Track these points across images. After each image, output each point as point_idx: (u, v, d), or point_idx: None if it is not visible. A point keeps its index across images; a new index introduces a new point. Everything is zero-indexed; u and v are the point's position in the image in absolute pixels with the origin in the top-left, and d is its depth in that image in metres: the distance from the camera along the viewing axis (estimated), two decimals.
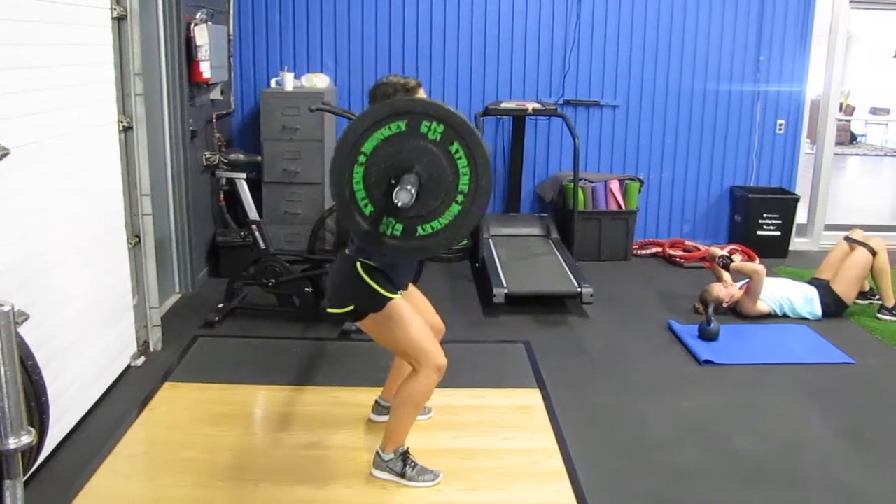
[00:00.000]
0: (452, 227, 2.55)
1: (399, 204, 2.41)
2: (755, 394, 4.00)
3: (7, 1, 2.80)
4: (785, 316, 5.04)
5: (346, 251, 2.97)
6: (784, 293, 5.08)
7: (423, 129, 2.44)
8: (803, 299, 5.04)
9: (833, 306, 5.03)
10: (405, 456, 3.07)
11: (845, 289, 5.04)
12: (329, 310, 3.02)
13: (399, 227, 2.58)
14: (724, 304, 5.00)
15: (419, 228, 2.57)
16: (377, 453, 3.10)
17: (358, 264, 2.88)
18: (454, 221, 2.54)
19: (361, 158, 2.49)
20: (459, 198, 2.50)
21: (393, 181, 2.47)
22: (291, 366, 4.19)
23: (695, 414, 3.77)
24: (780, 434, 3.58)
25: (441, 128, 2.44)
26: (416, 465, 3.07)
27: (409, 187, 2.38)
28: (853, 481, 3.20)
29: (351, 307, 2.93)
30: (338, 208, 2.62)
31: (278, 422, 3.59)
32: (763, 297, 5.01)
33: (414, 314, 2.99)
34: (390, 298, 2.91)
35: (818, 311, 5.03)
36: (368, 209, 2.58)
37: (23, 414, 1.79)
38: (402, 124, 2.44)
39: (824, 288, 5.08)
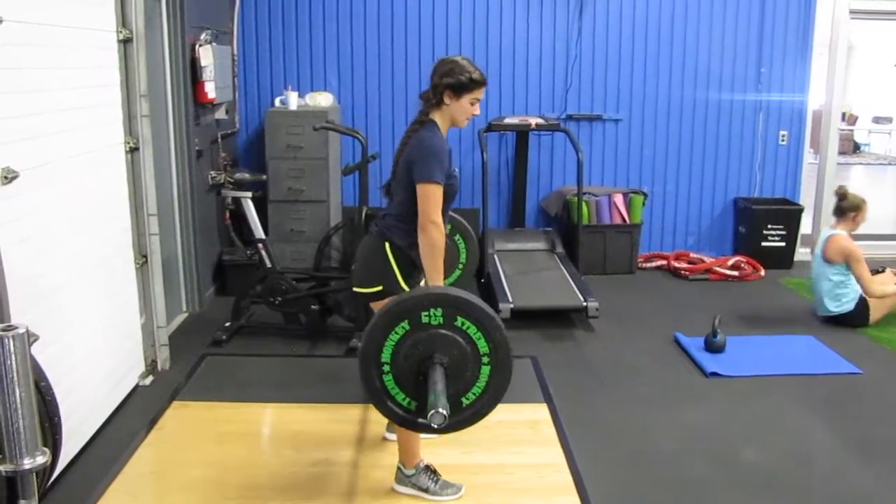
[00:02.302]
0: (491, 387, 2.68)
1: (436, 426, 2.51)
2: (762, 405, 4.00)
3: (15, 25, 2.83)
4: None
5: (374, 230, 3.05)
6: None
7: (425, 319, 2.57)
8: None
9: None
10: (428, 470, 3.09)
11: None
12: (355, 288, 3.06)
13: (411, 402, 2.72)
14: None
15: (463, 400, 2.70)
16: (399, 468, 3.11)
17: (386, 244, 2.97)
18: (490, 381, 2.66)
19: (386, 368, 2.63)
20: (485, 359, 2.63)
21: (421, 377, 2.60)
22: (299, 383, 4.20)
23: (702, 426, 3.77)
24: (788, 445, 3.58)
25: (439, 311, 2.57)
26: (438, 479, 3.09)
27: (440, 410, 2.46)
28: (861, 492, 3.19)
29: (379, 287, 2.98)
30: (377, 407, 2.75)
31: (286, 440, 3.59)
32: None
33: None
34: (403, 289, 2.97)
35: None
36: (410, 403, 2.71)
37: (37, 434, 1.81)
38: (406, 324, 2.58)
39: None
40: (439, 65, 3.00)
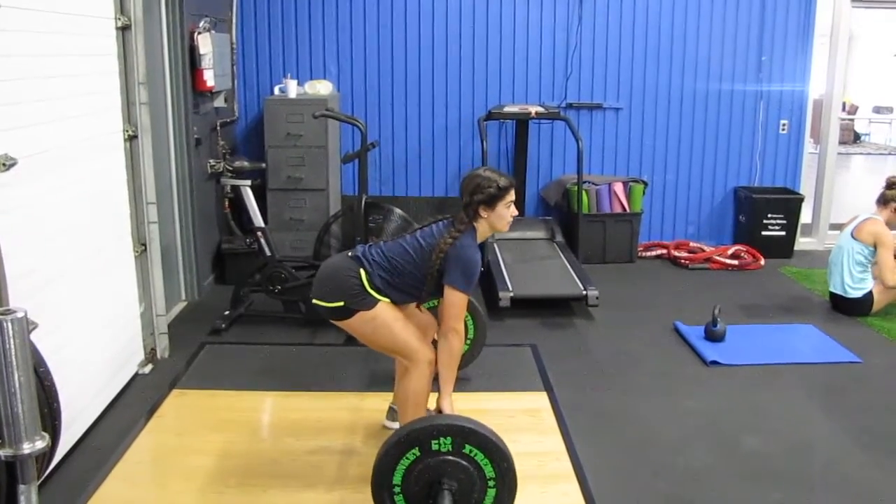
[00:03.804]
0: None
1: None
2: (762, 394, 4.00)
3: (12, 12, 2.81)
4: None
5: (350, 254, 3.08)
6: None
7: (434, 446, 2.65)
8: None
9: None
10: None
11: None
12: (315, 301, 3.09)
13: None
14: None
15: None
16: None
17: (363, 272, 3.00)
18: (497, 499, 2.73)
19: (396, 489, 2.69)
20: (490, 483, 2.70)
21: (431, 501, 2.67)
22: (299, 372, 4.20)
23: (702, 414, 3.77)
24: (788, 433, 3.58)
25: (448, 440, 2.65)
26: None
27: None
28: (861, 480, 3.20)
29: (340, 303, 3.00)
30: None
31: (286, 427, 3.59)
32: None
33: (399, 315, 3.07)
34: (379, 300, 3.01)
35: None
36: None
37: (37, 419, 1.80)
38: (416, 450, 2.65)
39: None
40: (466, 183, 3.10)
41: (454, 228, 3.05)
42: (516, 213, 3.19)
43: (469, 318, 3.97)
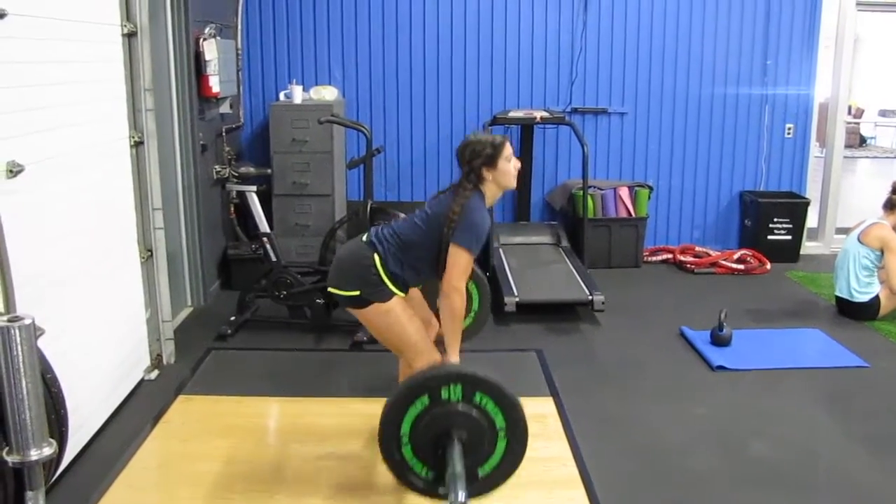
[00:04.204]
0: (507, 459, 2.75)
1: None
2: (769, 399, 3.99)
3: (19, 19, 2.82)
4: None
5: (364, 239, 3.08)
6: None
7: (445, 395, 2.63)
8: None
9: None
10: None
11: None
12: (332, 289, 3.09)
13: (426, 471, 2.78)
14: None
15: (479, 472, 2.75)
16: None
17: (377, 257, 2.99)
18: (506, 454, 2.73)
19: (405, 439, 2.68)
20: (501, 433, 2.69)
21: (440, 451, 2.66)
22: (304, 377, 4.20)
23: (708, 420, 3.76)
24: (795, 438, 3.57)
25: (458, 387, 2.62)
26: None
27: (460, 499, 2.50)
28: (869, 485, 3.18)
29: (357, 292, 3.00)
30: (398, 479, 2.81)
31: (292, 433, 3.59)
32: None
33: (412, 314, 3.09)
34: (394, 294, 3.01)
35: None
36: (428, 474, 2.77)
37: (44, 426, 1.81)
38: (426, 398, 2.63)
39: None
40: (461, 151, 3.13)
41: (461, 195, 3.04)
42: (519, 164, 3.19)
43: (473, 288, 3.93)
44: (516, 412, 2.65)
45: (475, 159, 3.05)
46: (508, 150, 3.10)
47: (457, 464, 2.58)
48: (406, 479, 2.77)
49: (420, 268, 3.08)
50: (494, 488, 2.81)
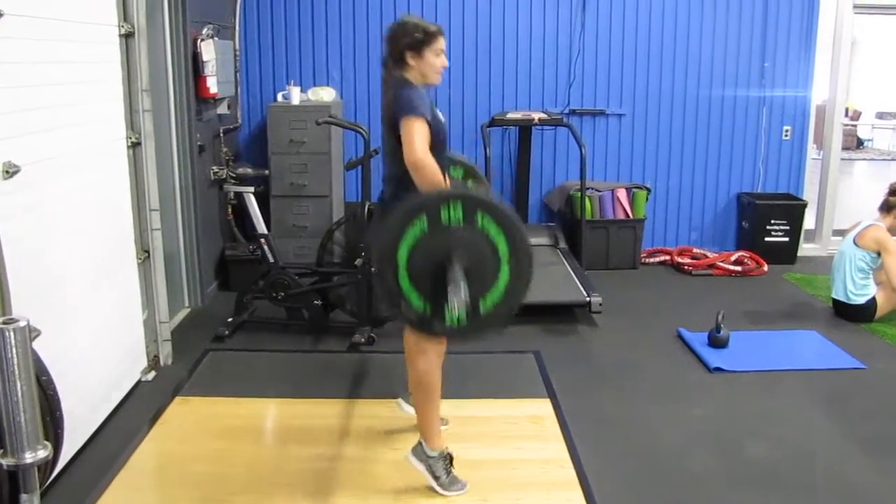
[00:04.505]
0: (510, 291, 2.61)
1: (456, 311, 2.46)
2: (766, 400, 3.99)
3: (16, 19, 2.82)
4: None
5: (378, 202, 3.08)
6: None
7: (444, 217, 2.49)
8: None
9: None
10: (447, 459, 3.07)
11: None
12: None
13: (464, 313, 2.62)
14: None
15: (480, 305, 2.62)
16: (421, 444, 3.07)
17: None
18: (509, 285, 2.60)
19: (402, 268, 2.54)
20: (504, 262, 2.55)
21: (439, 281, 2.52)
22: (302, 379, 4.20)
23: (706, 421, 3.76)
24: (792, 440, 3.57)
25: (459, 208, 2.48)
26: (450, 472, 3.08)
27: (461, 294, 2.41)
28: (865, 487, 3.18)
29: None
30: (392, 307, 2.71)
31: (289, 435, 3.59)
32: None
33: None
34: None
35: None
36: (426, 306, 2.63)
37: (39, 428, 1.80)
38: (424, 221, 2.49)
39: None
40: (391, 31, 2.96)
41: (388, 85, 2.93)
42: (447, 63, 3.03)
43: (472, 185, 3.65)
44: (520, 238, 2.51)
45: (403, 38, 2.92)
46: (441, 42, 2.95)
47: (458, 274, 2.45)
48: (400, 309, 2.63)
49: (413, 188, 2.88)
50: (496, 326, 2.68)
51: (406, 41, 2.92)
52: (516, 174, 6.48)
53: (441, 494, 3.04)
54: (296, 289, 4.79)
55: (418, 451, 3.09)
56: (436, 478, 3.06)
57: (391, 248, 2.50)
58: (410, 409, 3.51)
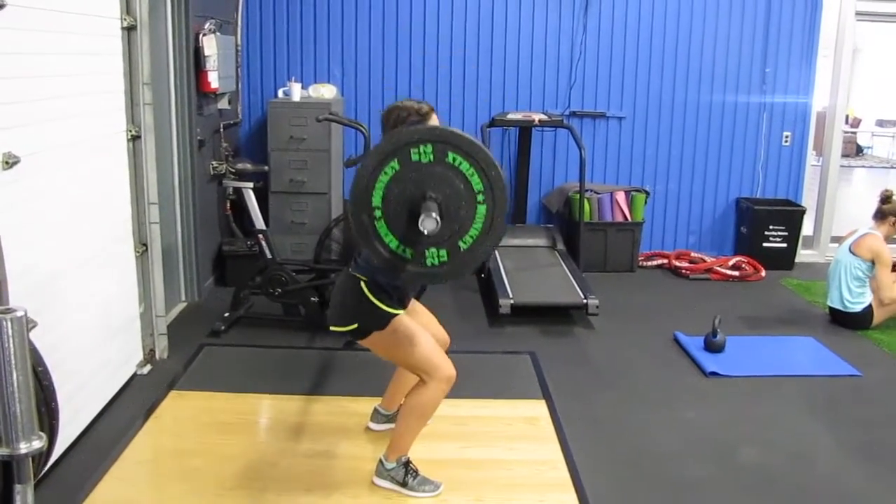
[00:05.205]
0: (488, 227, 2.59)
1: (426, 232, 2.45)
2: (761, 405, 4.00)
3: (18, 10, 2.81)
4: None
5: (350, 269, 2.97)
6: None
7: (415, 156, 2.49)
8: None
9: None
10: (407, 465, 3.07)
11: None
12: (332, 328, 3.02)
13: (444, 252, 2.63)
14: None
15: (460, 244, 2.61)
16: (380, 461, 3.10)
17: (363, 283, 2.89)
18: (486, 221, 2.58)
19: (378, 213, 2.55)
20: (480, 198, 2.54)
21: (413, 221, 2.51)
22: (297, 375, 4.20)
23: (701, 425, 3.76)
24: (787, 446, 3.57)
25: (429, 147, 2.49)
26: (417, 474, 3.07)
27: (432, 214, 2.41)
28: (860, 493, 3.19)
29: (354, 325, 2.93)
30: (368, 248, 2.68)
31: (284, 431, 3.58)
32: None
33: (418, 328, 2.98)
34: (394, 315, 2.92)
35: None
36: (407, 251, 2.63)
37: (34, 419, 1.80)
38: (395, 163, 2.50)
39: None
40: (387, 115, 2.97)
41: None
42: None
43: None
44: (494, 173, 2.50)
45: (400, 125, 2.92)
46: (434, 120, 2.97)
47: (431, 206, 2.46)
48: (376, 253, 2.63)
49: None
50: (477, 263, 2.65)
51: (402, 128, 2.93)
52: (516, 175, 6.49)
53: (415, 497, 3.03)
54: (293, 285, 4.79)
55: (378, 469, 3.10)
56: (403, 484, 3.05)
57: (366, 193, 2.51)
58: (379, 427, 3.54)
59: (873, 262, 5.03)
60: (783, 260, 6.55)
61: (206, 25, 5.20)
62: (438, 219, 2.42)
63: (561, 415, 3.78)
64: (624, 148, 6.64)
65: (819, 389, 4.20)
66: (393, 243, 2.62)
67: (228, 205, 5.75)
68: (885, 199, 5.16)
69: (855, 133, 14.83)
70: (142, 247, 4.15)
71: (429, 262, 2.62)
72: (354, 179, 2.57)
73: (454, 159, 2.51)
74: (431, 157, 2.50)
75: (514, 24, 6.39)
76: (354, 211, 2.56)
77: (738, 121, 6.64)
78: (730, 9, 6.44)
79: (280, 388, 4.02)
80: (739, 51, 6.52)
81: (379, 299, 2.88)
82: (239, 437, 3.50)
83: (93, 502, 2.94)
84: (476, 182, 2.53)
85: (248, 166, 5.24)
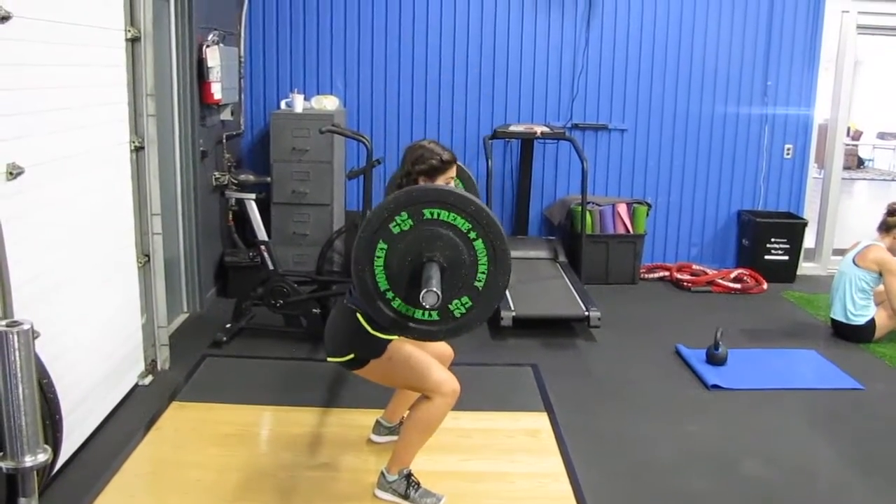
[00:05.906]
0: (493, 255, 2.62)
1: (428, 306, 2.50)
2: (763, 419, 3.99)
3: (23, 22, 2.83)
4: None
5: (346, 301, 2.97)
6: None
7: (396, 229, 2.56)
8: None
9: None
10: (409, 477, 3.06)
11: None
12: (329, 358, 3.03)
13: (466, 298, 2.68)
14: None
15: (476, 284, 2.65)
16: (382, 474, 3.09)
17: (359, 314, 2.88)
18: (489, 251, 2.61)
19: (389, 295, 2.63)
20: (472, 234, 2.59)
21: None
22: (299, 386, 4.19)
23: (702, 438, 3.76)
24: (789, 459, 3.56)
25: (404, 215, 2.55)
26: (419, 486, 3.06)
27: (433, 289, 2.44)
28: None
29: (351, 356, 2.94)
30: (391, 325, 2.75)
31: (285, 442, 3.58)
32: None
33: (413, 348, 2.97)
34: (389, 341, 2.92)
35: None
36: (433, 314, 2.69)
37: (39, 432, 1.80)
38: (383, 243, 2.58)
39: None
40: (409, 152, 3.02)
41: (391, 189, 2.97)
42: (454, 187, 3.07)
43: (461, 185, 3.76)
44: (473, 207, 2.52)
45: (419, 164, 2.96)
46: (453, 171, 3.01)
47: (429, 273, 2.50)
48: (406, 329, 2.71)
49: None
50: (500, 294, 2.68)
51: (421, 168, 2.96)
52: (517, 187, 6.49)
53: None
54: (294, 296, 4.79)
55: (380, 482, 3.10)
56: (405, 496, 3.04)
57: (373, 284, 2.58)
58: (381, 439, 3.54)
59: (879, 274, 5.03)
60: (785, 272, 6.55)
61: (210, 37, 5.22)
62: (440, 292, 2.44)
63: (563, 427, 3.77)
64: (626, 160, 6.65)
65: (821, 402, 4.20)
66: (418, 314, 2.69)
67: (231, 216, 5.76)
68: (892, 212, 5.16)
69: (856, 146, 14.84)
70: (144, 257, 4.15)
71: (456, 313, 2.67)
72: (354, 276, 2.63)
73: (432, 213, 2.55)
74: (411, 222, 2.54)
75: (517, 36, 6.40)
76: (368, 301, 2.64)
77: (740, 133, 6.65)
78: (731, 22, 6.46)
79: (282, 399, 4.01)
80: (741, 63, 6.53)
81: (375, 329, 2.88)
82: (240, 448, 3.49)
83: None
84: (461, 223, 2.57)
85: (251, 177, 5.25)
